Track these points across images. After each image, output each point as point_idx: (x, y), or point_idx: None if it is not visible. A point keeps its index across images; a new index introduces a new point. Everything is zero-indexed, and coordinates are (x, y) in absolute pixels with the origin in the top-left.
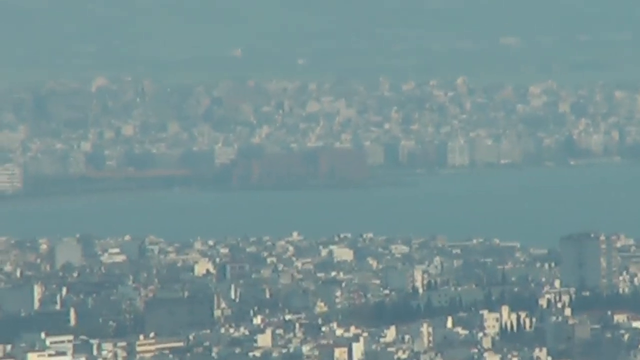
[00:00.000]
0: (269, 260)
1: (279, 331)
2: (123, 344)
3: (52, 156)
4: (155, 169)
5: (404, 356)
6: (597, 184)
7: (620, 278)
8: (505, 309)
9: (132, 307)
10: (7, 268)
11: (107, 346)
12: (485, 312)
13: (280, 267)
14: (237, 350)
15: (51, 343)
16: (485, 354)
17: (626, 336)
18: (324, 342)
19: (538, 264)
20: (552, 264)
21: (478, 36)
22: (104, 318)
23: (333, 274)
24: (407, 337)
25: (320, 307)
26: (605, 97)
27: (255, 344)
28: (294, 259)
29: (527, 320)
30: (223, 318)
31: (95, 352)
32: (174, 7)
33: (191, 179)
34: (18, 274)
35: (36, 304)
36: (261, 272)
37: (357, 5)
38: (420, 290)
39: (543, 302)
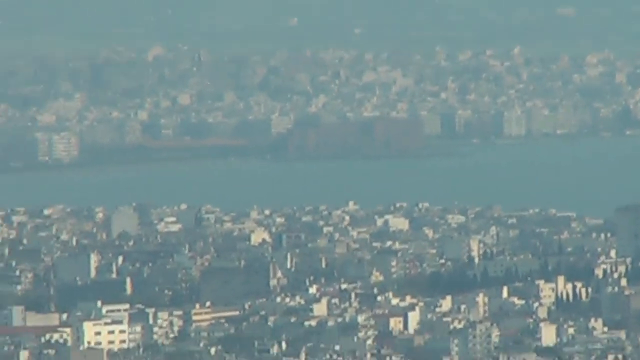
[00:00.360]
0: (324, 229)
1: (335, 300)
2: (179, 312)
3: (109, 125)
4: (211, 138)
5: (460, 326)
6: None
7: None
8: (561, 279)
9: (188, 276)
10: (64, 237)
11: (163, 315)
12: (541, 282)
13: (336, 236)
14: (293, 319)
15: (107, 312)
16: (541, 324)
17: None
18: (379, 311)
19: (594, 234)
20: (608, 234)
21: (534, 6)
22: (159, 287)
23: (389, 243)
24: (462, 306)
25: (376, 276)
26: None
27: (311, 313)
28: (349, 228)
29: (583, 291)
30: (279, 287)
31: (151, 321)
32: None
33: (247, 148)
34: (74, 242)
35: (92, 273)
36: (317, 242)
37: None
38: (476, 260)
39: (599, 273)
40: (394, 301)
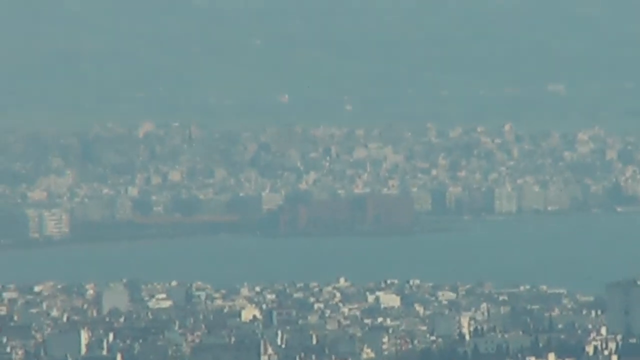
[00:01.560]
0: (315, 306)
1: None
2: None
3: (99, 201)
4: (202, 215)
5: None
6: None
7: None
8: (551, 356)
9: (179, 353)
10: (54, 313)
11: None
12: (532, 359)
13: (327, 312)
14: None
15: None
16: None
17: None
18: None
19: (585, 311)
20: (599, 311)
21: (524, 83)
22: None
23: (380, 320)
24: None
25: (367, 353)
26: None
27: None
28: (340, 304)
29: None
30: None
31: None
32: (221, 54)
33: (238, 224)
34: (65, 319)
35: (83, 350)
36: (308, 318)
37: (404, 51)
38: (467, 337)
39: (589, 350)
40: None
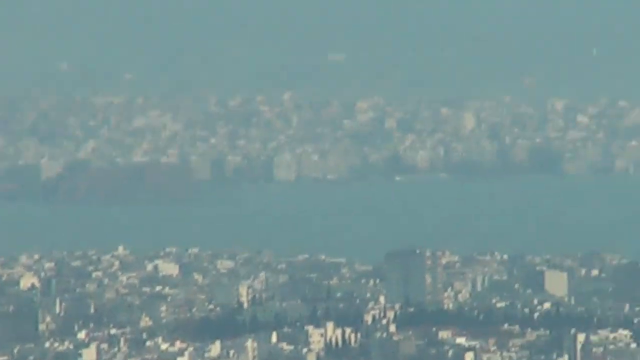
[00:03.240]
0: (94, 274)
1: (104, 345)
2: None
3: None
4: None
5: None
6: (422, 200)
7: (445, 294)
8: (330, 325)
9: None
10: None
11: None
12: (310, 328)
13: (106, 281)
14: None
15: None
16: None
17: (450, 352)
18: (148, 356)
19: (363, 280)
20: (377, 280)
21: (305, 52)
22: None
23: (158, 288)
24: (231, 352)
25: (145, 321)
26: (431, 113)
27: (80, 359)
28: (119, 273)
29: (352, 336)
30: (48, 332)
31: None
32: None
33: (17, 193)
34: None
35: None
36: (86, 287)
37: (183, 19)
38: (245, 305)
39: (368, 318)
40: (163, 346)
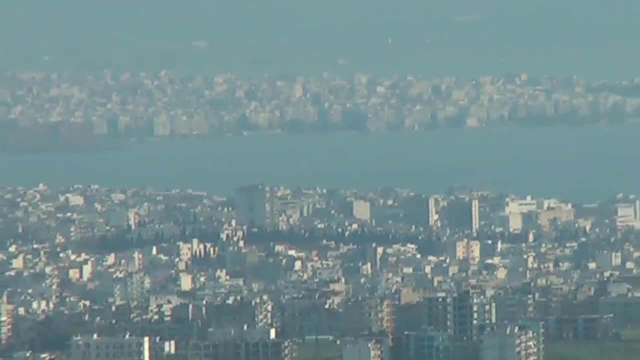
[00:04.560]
0: (21, 204)
1: (29, 256)
2: None
3: None
4: None
5: (121, 275)
6: (263, 150)
7: (280, 219)
8: (195, 241)
9: None
10: None
11: None
12: (180, 243)
13: (30, 209)
14: None
15: None
16: (181, 274)
17: (284, 261)
18: (62, 264)
19: (220, 208)
20: (230, 208)
21: (175, 40)
22: None
23: (69, 214)
24: (123, 261)
25: (59, 239)
26: (270, 85)
27: (10, 266)
28: (40, 203)
29: (212, 250)
30: None
31: None
32: None
33: None
34: None
35: None
36: (15, 213)
37: (86, 16)
38: (133, 227)
39: (223, 236)
40: (73, 257)
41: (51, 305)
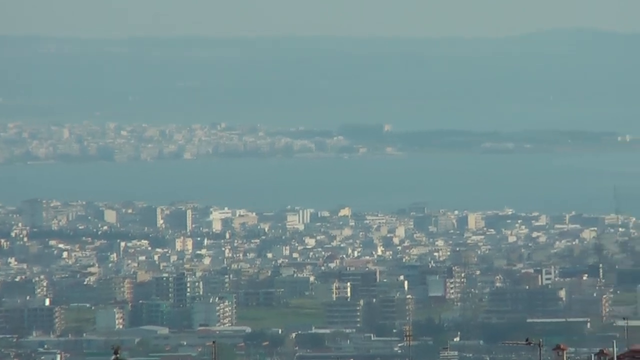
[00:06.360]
0: None
1: None
2: None
3: None
4: None
5: None
6: (42, 175)
7: (53, 222)
8: None
9: None
10: None
11: None
12: None
13: None
14: None
15: None
16: None
17: (56, 252)
18: None
19: (11, 214)
20: (18, 214)
21: None
22: None
23: None
24: None
25: None
26: (46, 129)
27: None
28: None
29: (5, 243)
30: None
31: None
32: None
33: None
34: None
35: None
36: None
37: None
38: None
39: (13, 234)
40: None
41: None
